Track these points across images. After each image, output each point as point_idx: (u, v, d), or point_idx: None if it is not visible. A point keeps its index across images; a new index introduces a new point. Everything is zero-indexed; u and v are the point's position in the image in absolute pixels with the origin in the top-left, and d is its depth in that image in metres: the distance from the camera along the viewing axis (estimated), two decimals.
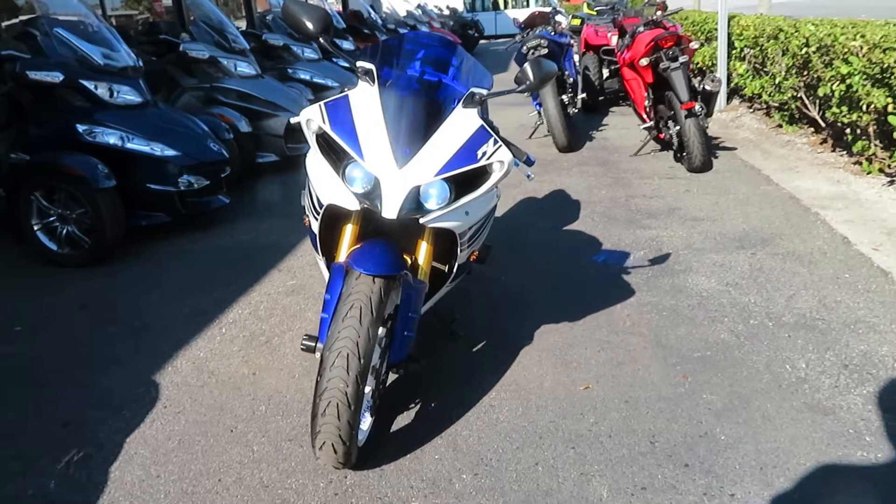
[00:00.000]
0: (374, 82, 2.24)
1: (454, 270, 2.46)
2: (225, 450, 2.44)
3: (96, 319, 3.55)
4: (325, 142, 2.18)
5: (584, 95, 7.47)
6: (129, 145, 4.47)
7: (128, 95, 4.69)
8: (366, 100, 2.21)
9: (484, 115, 2.67)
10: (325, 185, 2.21)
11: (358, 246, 2.19)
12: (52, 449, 2.48)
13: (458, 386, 2.76)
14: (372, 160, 2.09)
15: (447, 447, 2.39)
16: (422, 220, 2.14)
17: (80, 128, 4.39)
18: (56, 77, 4.39)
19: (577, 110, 7.18)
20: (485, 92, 2.30)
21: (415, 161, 2.10)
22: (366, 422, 2.34)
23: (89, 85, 4.51)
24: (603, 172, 5.86)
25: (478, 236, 2.45)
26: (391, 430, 2.50)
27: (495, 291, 3.66)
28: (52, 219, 4.29)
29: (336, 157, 2.17)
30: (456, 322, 3.30)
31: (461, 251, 2.38)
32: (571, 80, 6.88)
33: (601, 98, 8.47)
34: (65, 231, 4.28)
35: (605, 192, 5.29)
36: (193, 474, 2.31)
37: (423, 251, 2.32)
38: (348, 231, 2.30)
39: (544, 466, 2.28)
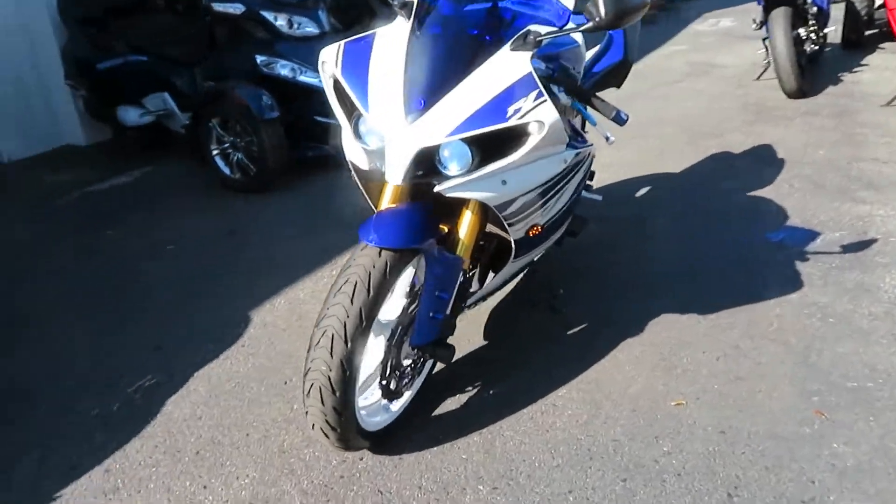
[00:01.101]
0: (409, 17, 1.89)
1: (513, 248, 2.07)
2: (269, 402, 2.38)
3: (236, 247, 3.70)
4: (341, 88, 1.90)
5: (832, 28, 6.13)
6: (300, 78, 4.54)
7: (307, 27, 4.74)
8: (394, 37, 1.88)
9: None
10: (344, 138, 1.94)
11: (384, 209, 1.91)
12: (134, 372, 2.61)
13: (530, 371, 2.41)
14: (377, 112, 1.77)
15: (480, 448, 2.09)
16: (437, 189, 1.80)
17: (259, 59, 4.54)
18: (238, 8, 4.56)
19: (824, 48, 5.90)
20: (543, 31, 1.83)
21: (429, 115, 1.74)
22: (393, 405, 2.12)
23: (269, 16, 4.61)
24: (833, 126, 4.78)
25: (539, 209, 2.02)
26: (434, 414, 2.25)
27: (624, 263, 3.15)
28: (226, 145, 4.54)
29: (352, 106, 1.88)
30: (559, 297, 2.88)
31: (511, 226, 1.99)
32: (815, 8, 5.63)
33: (869, 32, 6.91)
34: (236, 157, 4.52)
35: (824, 153, 4.30)
36: (229, 423, 2.29)
37: (467, 222, 1.97)
38: (388, 189, 2.03)
39: (577, 497, 1.88)
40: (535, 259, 2.53)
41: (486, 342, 2.64)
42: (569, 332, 2.65)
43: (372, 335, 1.94)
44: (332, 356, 1.74)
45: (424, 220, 1.88)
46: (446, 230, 1.98)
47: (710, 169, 4.27)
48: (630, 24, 1.79)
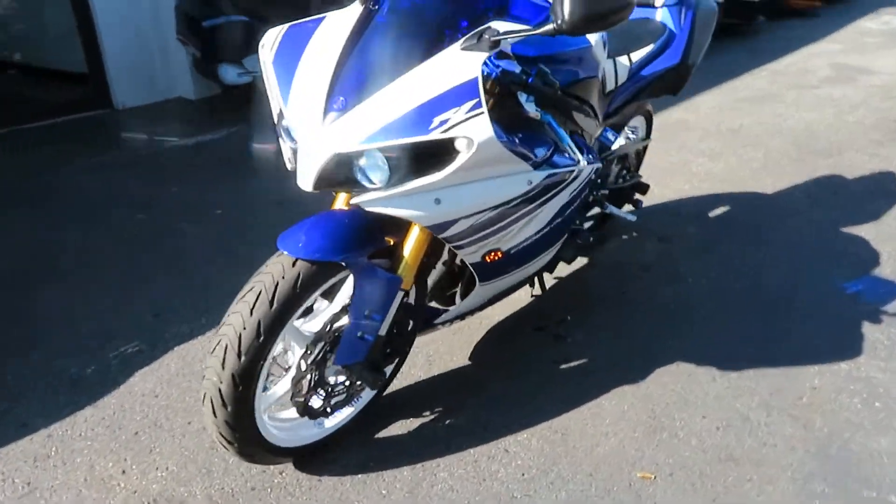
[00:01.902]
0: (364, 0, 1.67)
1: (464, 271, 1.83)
2: None
3: (279, 218, 3.66)
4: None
5: None
6: None
7: None
8: (340, 23, 1.67)
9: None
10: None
11: (318, 214, 1.74)
12: (124, 336, 2.62)
13: (500, 403, 2.17)
14: (294, 109, 1.58)
15: (405, 485, 1.89)
16: (353, 201, 1.59)
17: None
18: None
19: None
20: (504, 29, 1.56)
21: (348, 117, 1.52)
22: (329, 420, 1.97)
23: None
24: None
25: (497, 234, 1.76)
26: (377, 435, 2.07)
27: (658, 293, 2.78)
28: None
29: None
30: (566, 323, 2.59)
31: (458, 249, 1.75)
32: None
33: None
34: None
35: None
36: (179, 407, 2.23)
37: (413, 239, 1.76)
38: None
39: None
40: (526, 282, 2.26)
41: (469, 362, 2.42)
42: (562, 366, 2.37)
43: (293, 348, 1.80)
44: (223, 368, 1.60)
45: (360, 230, 1.69)
46: (392, 243, 1.78)
47: (807, 194, 3.72)
48: (605, 30, 1.49)
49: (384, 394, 2.16)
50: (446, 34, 1.58)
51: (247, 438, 1.72)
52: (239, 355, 1.59)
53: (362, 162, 1.52)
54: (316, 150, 1.52)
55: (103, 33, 5.75)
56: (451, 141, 1.49)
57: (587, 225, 2.82)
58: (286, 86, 1.62)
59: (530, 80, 1.65)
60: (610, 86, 2.42)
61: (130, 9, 5.81)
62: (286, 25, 1.73)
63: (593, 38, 1.98)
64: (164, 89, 6.06)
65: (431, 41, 1.57)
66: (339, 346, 1.77)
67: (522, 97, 1.64)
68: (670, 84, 2.64)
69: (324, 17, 1.73)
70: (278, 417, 1.87)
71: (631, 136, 3.11)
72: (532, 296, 2.67)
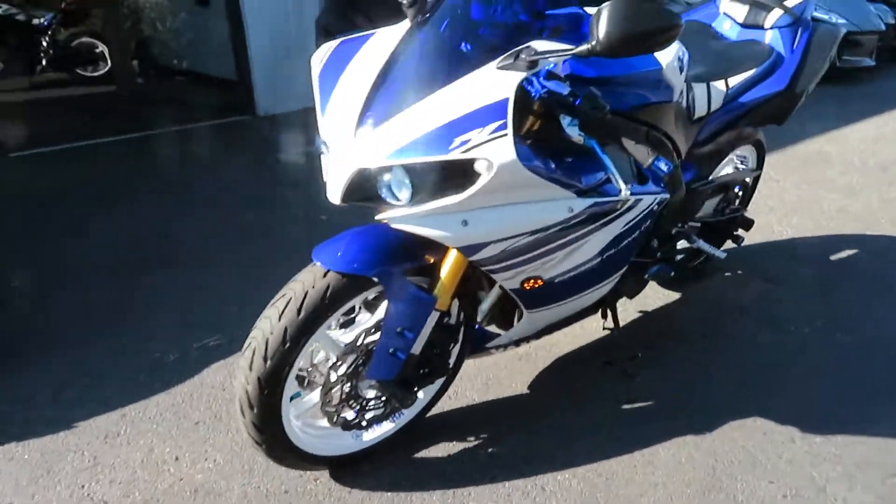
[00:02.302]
0: (413, 17, 1.66)
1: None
2: None
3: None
4: None
5: None
6: None
7: None
8: (389, 37, 1.66)
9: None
10: None
11: (361, 226, 1.75)
12: (209, 327, 2.78)
13: (548, 438, 2.09)
14: (329, 121, 1.59)
15: None
16: (378, 217, 1.57)
17: None
18: None
19: None
20: (540, 49, 1.48)
21: (377, 132, 1.51)
22: (367, 433, 1.97)
23: None
24: None
25: (535, 261, 1.68)
26: (416, 455, 2.05)
27: (752, 341, 2.55)
28: None
29: None
30: (636, 361, 2.43)
31: (491, 273, 1.69)
32: None
33: None
34: None
35: None
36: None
37: (450, 259, 1.72)
38: None
39: None
40: (587, 314, 2.15)
41: (528, 390, 2.34)
42: (624, 406, 2.23)
43: (331, 357, 1.82)
44: (250, 370, 1.65)
45: (395, 246, 1.68)
46: (432, 262, 1.75)
47: None
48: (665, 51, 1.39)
49: (429, 413, 2.13)
50: (487, 52, 1.54)
51: (274, 442, 1.76)
52: (265, 359, 1.63)
53: (387, 178, 1.51)
54: (344, 163, 1.53)
55: (252, 44, 6.18)
56: (471, 162, 1.45)
57: (679, 257, 2.65)
58: (326, 99, 1.64)
59: (577, 101, 1.57)
60: (699, 111, 2.26)
61: (277, 21, 6.20)
62: (339, 40, 1.77)
63: (665, 59, 1.86)
64: (303, 98, 6.40)
65: (471, 59, 1.54)
66: (371, 361, 1.77)
67: (565, 120, 1.56)
68: (774, 112, 2.42)
69: (373, 33, 1.74)
70: (313, 425, 1.89)
71: (741, 166, 2.89)
72: (604, 328, 2.54)
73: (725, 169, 2.83)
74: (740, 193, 2.88)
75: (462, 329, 1.98)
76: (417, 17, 1.65)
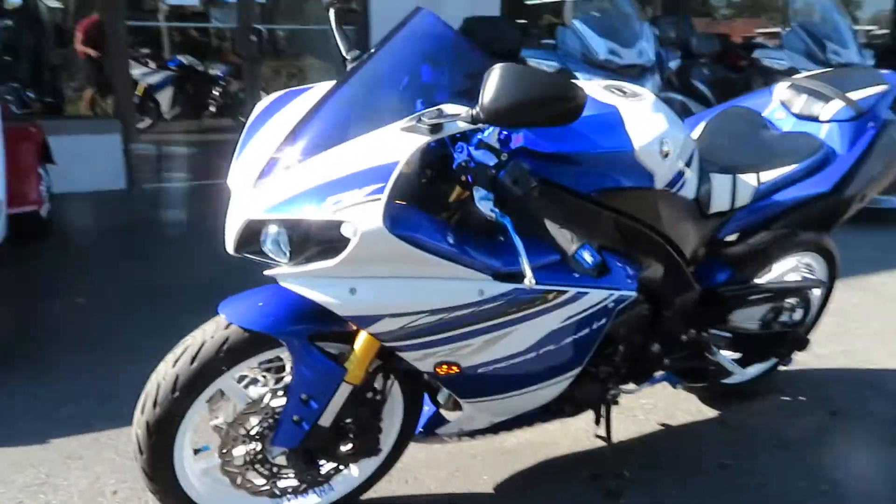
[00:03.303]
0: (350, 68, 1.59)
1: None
2: None
3: None
4: None
5: None
6: None
7: None
8: (321, 91, 1.60)
9: None
10: None
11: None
12: None
13: None
14: (239, 168, 1.53)
15: None
16: (266, 272, 1.48)
17: None
18: (552, 66, 4.49)
19: None
20: (451, 111, 1.35)
21: (270, 182, 1.44)
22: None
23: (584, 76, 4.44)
24: None
25: (446, 345, 1.51)
26: None
27: (783, 485, 2.15)
28: None
29: None
30: (624, 480, 2.12)
31: (398, 351, 1.54)
32: None
33: None
34: None
35: None
36: None
37: (364, 333, 1.60)
38: None
39: None
40: (551, 416, 1.91)
41: (492, 491, 2.11)
42: None
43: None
44: (142, 414, 1.61)
45: (309, 307, 1.58)
46: (354, 328, 1.64)
47: None
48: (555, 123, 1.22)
49: (368, 494, 1.97)
50: (401, 112, 1.44)
51: (167, 493, 1.70)
52: (154, 405, 1.59)
53: (271, 231, 1.43)
54: (236, 211, 1.48)
55: None
56: (339, 225, 1.34)
57: (715, 368, 2.31)
58: (244, 146, 1.61)
59: (501, 174, 1.42)
60: (718, 205, 1.99)
61: None
62: (282, 91, 1.74)
63: (639, 141, 1.65)
64: None
65: (384, 117, 1.44)
66: (278, 427, 1.68)
67: (478, 193, 1.42)
68: (817, 217, 2.08)
69: (313, 86, 1.70)
70: (226, 485, 1.80)
71: (809, 276, 2.51)
72: (596, 436, 2.26)
73: (789, 276, 2.47)
74: (801, 307, 2.49)
75: (403, 409, 1.84)
76: (346, 69, 1.60)
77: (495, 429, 1.92)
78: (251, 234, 1.46)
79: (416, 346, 1.53)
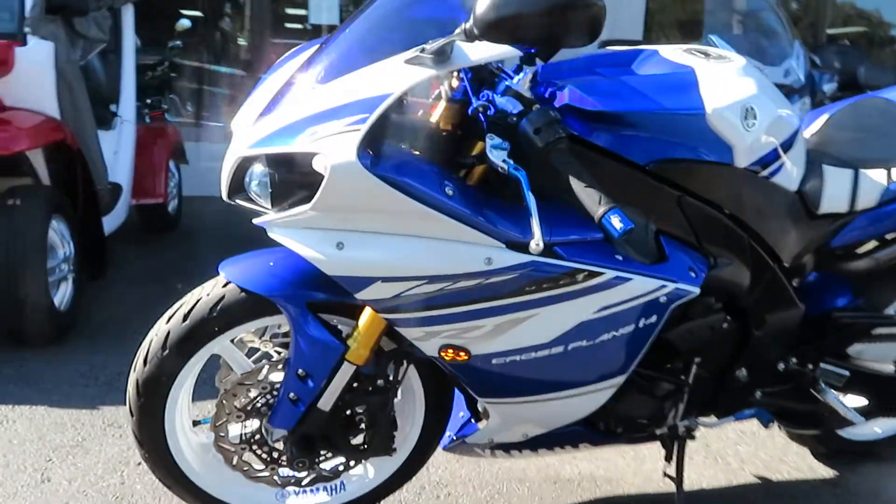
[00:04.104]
0: None
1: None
2: None
3: None
4: None
5: None
6: None
7: None
8: None
9: None
10: None
11: None
12: None
13: None
14: (244, 108, 1.38)
15: None
16: (253, 221, 1.32)
17: None
18: None
19: None
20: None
21: (265, 119, 1.28)
22: (290, 499, 1.69)
23: None
24: None
25: (451, 323, 1.27)
26: None
27: None
28: None
29: None
30: None
31: (395, 325, 1.32)
32: None
33: None
34: None
35: None
36: None
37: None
38: None
39: None
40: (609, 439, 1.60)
41: None
42: None
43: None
44: (133, 371, 1.51)
45: (312, 273, 1.41)
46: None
47: None
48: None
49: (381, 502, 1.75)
50: (409, 46, 1.25)
51: (158, 461, 1.57)
52: (145, 362, 1.48)
53: (256, 170, 1.28)
54: (229, 153, 1.34)
55: None
56: (311, 157, 1.16)
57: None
58: (253, 90, 1.47)
59: (522, 122, 1.19)
60: (832, 205, 1.61)
61: None
62: (304, 43, 1.60)
63: (713, 102, 1.35)
64: None
65: (392, 50, 1.26)
66: (275, 405, 1.51)
67: (491, 141, 1.19)
68: None
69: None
70: (220, 462, 1.65)
71: None
72: (664, 475, 1.89)
73: None
74: None
75: (424, 405, 1.62)
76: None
77: (534, 446, 1.64)
78: (239, 176, 1.32)
79: (416, 321, 1.31)
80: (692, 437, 1.73)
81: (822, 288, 1.78)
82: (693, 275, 1.38)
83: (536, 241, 1.13)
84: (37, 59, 2.82)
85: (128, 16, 4.01)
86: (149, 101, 5.72)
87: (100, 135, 3.54)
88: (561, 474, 2.01)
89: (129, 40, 4.04)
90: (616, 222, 1.11)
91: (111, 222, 3.52)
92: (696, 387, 1.64)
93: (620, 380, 1.44)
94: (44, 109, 2.85)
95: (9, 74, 2.77)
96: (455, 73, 1.32)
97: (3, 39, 2.78)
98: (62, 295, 2.80)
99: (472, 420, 1.67)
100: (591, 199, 1.14)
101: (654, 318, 1.36)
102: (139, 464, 1.98)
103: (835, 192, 1.62)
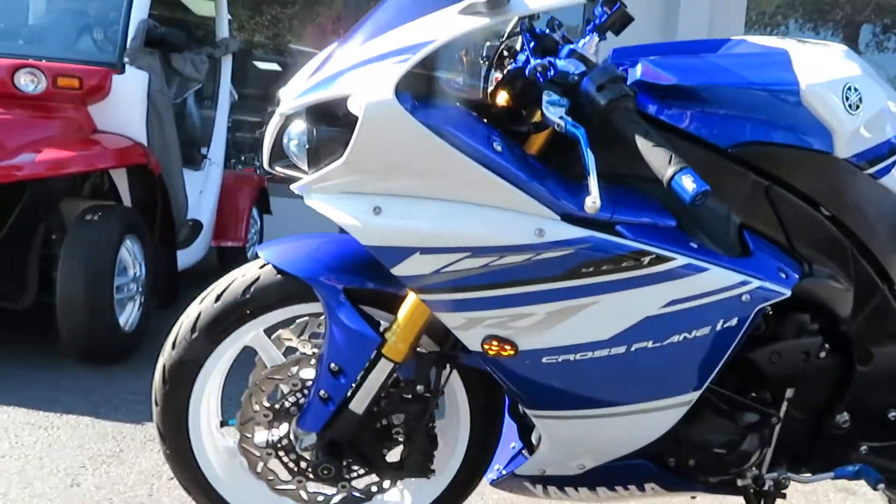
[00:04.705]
0: None
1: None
2: None
3: None
4: None
5: None
6: None
7: None
8: None
9: None
10: None
11: None
12: None
13: None
14: (299, 73, 1.30)
15: None
16: (291, 187, 1.22)
17: None
18: None
19: None
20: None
21: (319, 73, 1.19)
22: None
23: None
24: None
25: (497, 308, 1.12)
26: None
27: None
28: None
29: None
30: None
31: (434, 309, 1.18)
32: None
33: None
34: None
35: None
36: None
37: (412, 297, 1.28)
38: None
39: None
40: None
41: None
42: None
43: None
44: (161, 357, 1.42)
45: (357, 259, 1.32)
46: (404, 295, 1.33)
47: None
48: None
49: None
50: None
51: (179, 462, 1.46)
52: (173, 346, 1.40)
53: (293, 129, 1.19)
54: (280, 110, 1.25)
55: None
56: (345, 100, 1.06)
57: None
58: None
59: (584, 80, 1.08)
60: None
61: None
62: None
63: (808, 77, 1.18)
64: None
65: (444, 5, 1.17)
66: (305, 406, 1.38)
67: (549, 96, 1.07)
68: None
69: None
70: (245, 469, 1.52)
71: None
72: None
73: None
74: None
75: (469, 423, 1.45)
76: None
77: (592, 483, 1.42)
78: (289, 139, 1.24)
79: (458, 303, 1.16)
80: (782, 496, 1.47)
81: None
82: (783, 276, 1.18)
83: (593, 199, 0.99)
84: (131, 87, 2.95)
85: (226, 66, 4.20)
86: (243, 157, 5.94)
87: (188, 173, 3.66)
88: None
89: (225, 89, 4.22)
90: (688, 183, 0.95)
91: (189, 256, 3.58)
92: (788, 428, 1.40)
93: (693, 397, 1.23)
94: (132, 135, 2.95)
95: (104, 100, 2.90)
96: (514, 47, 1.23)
97: (105, 67, 2.92)
98: (128, 315, 2.80)
99: (524, 453, 1.49)
100: (659, 159, 0.99)
101: (734, 322, 1.16)
102: (171, 478, 1.87)
103: None
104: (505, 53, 1.35)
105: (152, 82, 3.02)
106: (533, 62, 1.13)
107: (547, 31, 1.25)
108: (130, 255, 2.81)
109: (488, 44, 1.40)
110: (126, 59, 2.94)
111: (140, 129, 2.97)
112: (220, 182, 4.16)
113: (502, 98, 1.21)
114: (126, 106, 2.94)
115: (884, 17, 6.53)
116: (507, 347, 1.18)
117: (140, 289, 2.87)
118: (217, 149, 4.20)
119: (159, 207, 3.12)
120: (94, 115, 2.90)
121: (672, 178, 0.97)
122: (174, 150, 3.27)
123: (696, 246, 1.14)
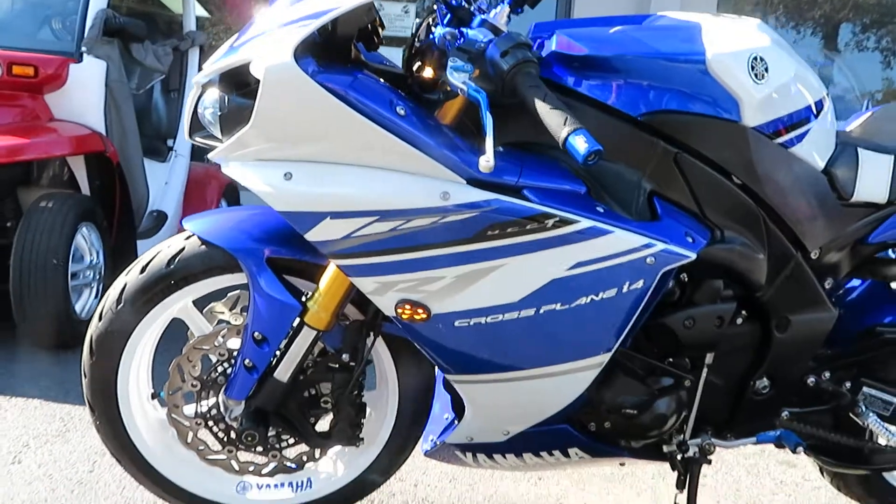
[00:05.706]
0: None
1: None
2: None
3: None
4: None
5: None
6: None
7: None
8: None
9: None
10: None
11: None
12: None
13: None
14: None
15: None
16: (208, 156, 1.24)
17: None
18: None
19: None
20: None
21: (240, 38, 1.21)
22: (252, 493, 1.56)
23: None
24: None
25: (405, 272, 1.14)
26: None
27: None
28: None
29: None
30: None
31: (347, 272, 1.20)
32: None
33: None
34: None
35: None
36: None
37: (333, 266, 1.30)
38: None
39: None
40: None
41: None
42: None
43: None
44: (88, 329, 1.44)
45: (280, 230, 1.34)
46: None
47: None
48: None
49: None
50: None
51: (108, 430, 1.47)
52: (100, 318, 1.41)
53: (207, 98, 1.21)
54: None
55: None
56: (248, 66, 1.09)
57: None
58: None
59: (489, 47, 1.10)
60: (869, 193, 1.41)
61: None
62: None
63: (714, 48, 1.22)
64: None
65: None
66: (232, 375, 1.40)
67: (453, 62, 1.10)
68: None
69: None
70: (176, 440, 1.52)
71: None
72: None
73: None
74: None
75: (398, 391, 1.47)
76: None
77: (518, 449, 1.45)
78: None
79: (369, 268, 1.18)
80: (707, 461, 1.50)
81: (867, 299, 1.56)
82: (690, 240, 1.21)
83: (487, 159, 1.01)
84: (88, 76, 2.94)
85: (193, 59, 4.19)
86: None
87: (153, 164, 3.66)
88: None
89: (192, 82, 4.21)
90: (580, 143, 0.98)
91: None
92: (710, 394, 1.44)
93: (604, 359, 1.26)
94: (90, 123, 2.95)
95: (61, 89, 2.90)
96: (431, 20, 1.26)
97: (61, 56, 2.92)
98: (84, 301, 2.80)
99: (456, 422, 1.51)
100: (556, 121, 1.02)
101: (640, 284, 1.19)
102: None
103: (871, 179, 1.43)
104: (433, 28, 1.38)
105: (110, 71, 3.02)
106: (442, 31, 1.15)
107: (463, 3, 1.28)
108: (87, 242, 2.80)
109: (417, 20, 1.43)
110: (83, 49, 2.94)
111: (98, 118, 2.97)
112: (187, 173, 4.15)
113: (416, 67, 1.23)
114: (83, 95, 2.94)
115: (863, 16, 6.62)
116: (420, 311, 1.20)
117: (98, 276, 2.87)
118: (183, 140, 4.19)
119: (118, 196, 3.12)
120: (52, 104, 2.90)
121: (566, 138, 0.99)
122: (133, 139, 3.27)
123: (602, 210, 1.17)
